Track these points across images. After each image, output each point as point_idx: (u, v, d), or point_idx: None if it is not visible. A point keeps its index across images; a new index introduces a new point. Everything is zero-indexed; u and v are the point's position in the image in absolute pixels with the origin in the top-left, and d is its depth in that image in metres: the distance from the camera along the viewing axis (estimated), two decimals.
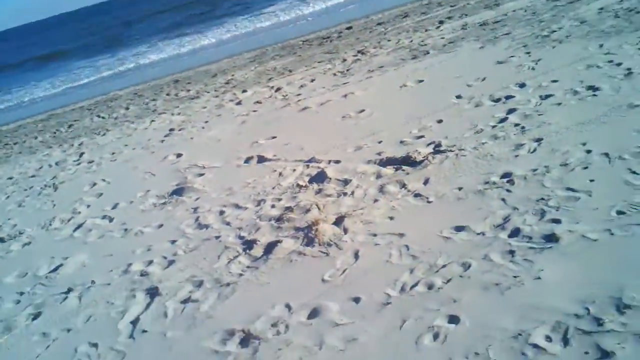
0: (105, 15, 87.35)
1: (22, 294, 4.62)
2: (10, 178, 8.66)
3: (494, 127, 5.13)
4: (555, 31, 7.63)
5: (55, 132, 11.62)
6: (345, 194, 4.70)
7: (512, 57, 7.07)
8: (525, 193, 3.86)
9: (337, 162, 5.42)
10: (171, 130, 8.67)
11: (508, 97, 5.74)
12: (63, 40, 52.37)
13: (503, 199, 3.87)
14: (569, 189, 3.74)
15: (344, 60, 10.13)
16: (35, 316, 4.20)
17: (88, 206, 6.31)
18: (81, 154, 8.85)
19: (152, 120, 9.77)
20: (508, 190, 3.96)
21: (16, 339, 3.95)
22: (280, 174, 5.57)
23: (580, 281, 2.91)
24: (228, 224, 4.79)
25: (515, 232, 3.46)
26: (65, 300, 4.29)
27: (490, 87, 6.24)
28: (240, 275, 3.91)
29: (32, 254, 5.44)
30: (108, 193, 6.57)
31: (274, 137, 6.80)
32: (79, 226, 5.76)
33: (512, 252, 3.28)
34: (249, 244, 4.30)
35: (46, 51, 42.62)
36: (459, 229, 3.68)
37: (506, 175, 4.18)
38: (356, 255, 3.73)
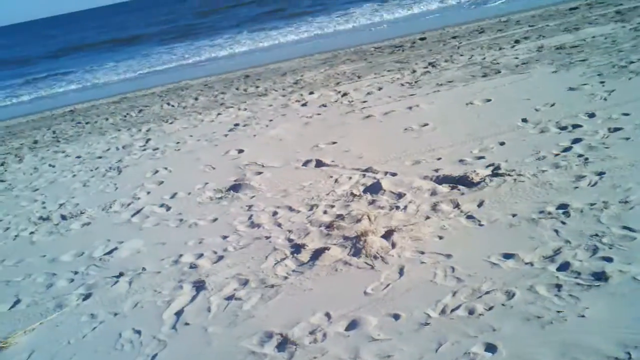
0: (181, 4, 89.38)
1: (76, 273, 4.81)
2: (79, 157, 9.01)
3: (556, 155, 5.04)
4: (633, 62, 7.40)
5: (125, 116, 12.00)
6: (397, 207, 4.71)
7: (585, 84, 6.90)
8: (580, 227, 3.78)
9: (394, 174, 5.43)
10: (236, 125, 8.84)
11: (575, 126, 5.62)
12: (139, 25, 53.86)
13: (556, 231, 3.80)
14: (625, 227, 3.64)
15: (414, 71, 10.10)
16: (86, 297, 4.36)
17: (148, 193, 6.51)
18: (147, 140, 9.12)
19: (219, 114, 9.98)
20: (563, 222, 3.89)
21: (65, 317, 4.12)
22: (336, 180, 5.62)
23: (625, 324, 2.84)
24: (279, 225, 4.86)
25: (564, 266, 3.39)
26: (116, 284, 4.45)
27: (559, 113, 6.12)
28: (285, 278, 3.97)
29: (90, 234, 5.65)
30: (168, 182, 6.76)
31: (334, 143, 6.85)
32: (137, 212, 5.95)
33: (558, 286, 3.23)
34: (297, 248, 4.37)
35: (124, 35, 43.99)
36: (508, 256, 3.64)
37: (563, 206, 4.10)
38: (401, 271, 3.74)
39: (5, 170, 9.10)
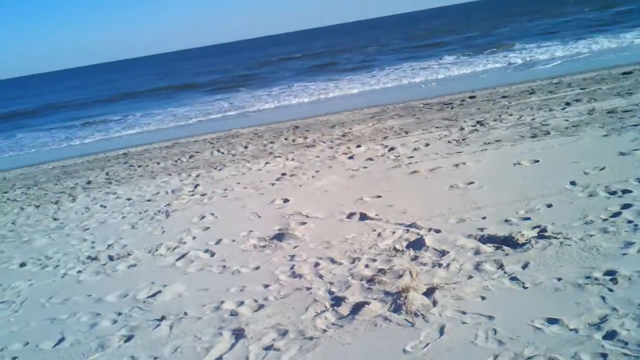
0: (234, 55, 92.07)
1: (119, 314, 4.88)
2: (129, 199, 9.24)
3: (605, 220, 4.95)
4: None
5: (176, 161, 12.30)
6: (440, 265, 4.68)
7: (637, 150, 6.81)
8: (628, 295, 3.69)
9: (438, 231, 5.41)
10: (283, 174, 8.96)
11: (625, 192, 5.53)
12: (193, 74, 55.45)
13: (603, 297, 3.72)
14: None
15: (462, 129, 10.13)
16: (128, 338, 4.41)
17: (194, 238, 6.62)
18: (196, 186, 9.31)
19: (267, 162, 10.14)
20: (610, 289, 3.80)
21: (106, 358, 4.16)
22: (379, 234, 5.63)
23: None
24: (321, 276, 4.88)
25: (610, 335, 3.31)
26: (158, 327, 4.50)
27: (608, 178, 6.04)
28: (325, 331, 3.97)
29: (136, 276, 5.75)
30: (214, 228, 6.87)
31: (379, 196, 6.88)
32: (182, 256, 6.05)
33: (604, 355, 3.14)
34: (337, 301, 4.37)
35: (178, 82, 45.35)
36: (552, 321, 3.57)
37: (610, 272, 4.02)
38: (442, 331, 3.69)
39: (59, 209, 9.38)
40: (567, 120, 9.23)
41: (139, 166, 12.48)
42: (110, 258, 6.40)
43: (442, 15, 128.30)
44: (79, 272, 6.13)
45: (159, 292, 5.18)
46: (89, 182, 11.46)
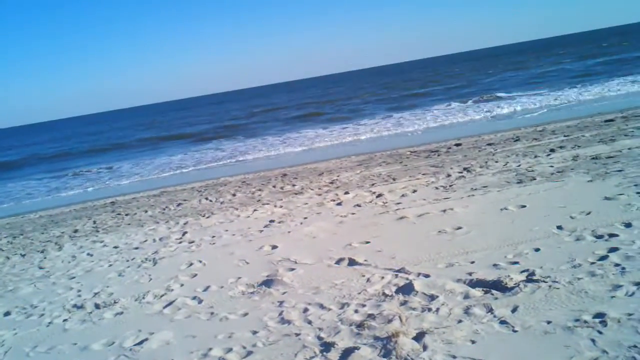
0: (220, 106, 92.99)
1: None
2: (116, 247, 9.17)
3: (592, 263, 4.98)
4: None
5: (164, 209, 12.26)
6: (429, 309, 4.66)
7: (621, 194, 6.89)
8: (618, 337, 3.69)
9: (427, 276, 5.41)
10: (271, 221, 8.96)
11: (611, 235, 5.58)
12: (181, 125, 55.67)
13: (593, 340, 3.72)
14: None
15: (449, 175, 10.22)
16: None
17: (181, 285, 6.56)
18: (184, 233, 9.27)
19: (255, 210, 10.14)
20: (599, 332, 3.80)
21: None
22: (368, 279, 5.62)
23: None
24: (310, 322, 4.84)
25: None
26: None
27: (594, 222, 6.09)
28: None
29: (122, 324, 5.66)
30: (202, 275, 6.82)
31: (367, 242, 6.88)
32: (170, 303, 5.98)
33: None
34: (326, 346, 4.32)
35: (166, 133, 45.51)
36: None
37: (599, 315, 4.02)
38: None
39: (45, 258, 9.28)
40: (552, 167, 9.35)
41: (127, 214, 12.42)
42: (97, 306, 6.32)
43: (425, 67, 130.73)
44: (65, 320, 6.04)
45: (146, 339, 5.10)
46: (75, 231, 11.38)
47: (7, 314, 6.61)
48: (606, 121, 14.20)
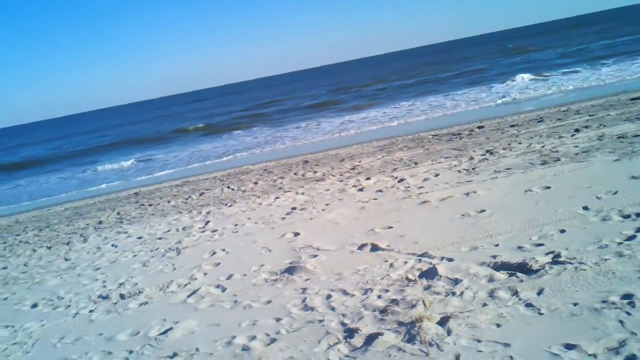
0: (233, 97, 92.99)
1: (131, 352, 4.82)
2: (140, 237, 9.24)
3: (619, 244, 4.88)
4: None
5: (187, 199, 12.32)
6: (454, 293, 4.61)
7: None
8: None
9: (450, 260, 5.35)
10: (293, 208, 8.94)
11: (639, 215, 5.46)
12: (199, 117, 55.63)
13: (621, 321, 3.64)
14: None
15: (471, 158, 10.10)
16: None
17: (205, 274, 6.58)
18: (207, 222, 9.30)
19: (277, 197, 10.13)
20: (627, 313, 3.72)
21: None
22: (391, 265, 5.57)
23: None
24: (333, 309, 4.82)
25: (630, 359, 3.22)
26: None
27: (621, 201, 5.97)
28: None
29: (147, 313, 5.70)
30: (225, 263, 6.83)
31: (390, 227, 6.83)
32: (194, 292, 6.00)
33: None
34: (350, 332, 4.30)
35: (188, 124, 45.52)
36: (570, 346, 3.49)
37: (627, 296, 3.94)
38: None
39: (70, 250, 9.39)
40: (577, 147, 9.19)
41: (150, 205, 12.51)
42: (122, 296, 6.37)
43: (441, 51, 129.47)
44: (91, 311, 6.09)
45: (170, 329, 5.12)
46: (100, 222, 11.49)
47: (34, 305, 6.69)
48: (632, 99, 13.92)
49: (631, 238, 4.96)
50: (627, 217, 5.51)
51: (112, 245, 9.09)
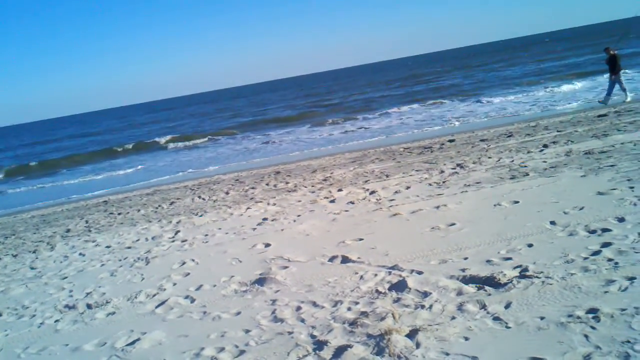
0: (209, 105, 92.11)
1: None
2: (109, 247, 9.12)
3: (585, 258, 4.97)
4: None
5: (157, 208, 12.21)
6: (423, 306, 4.64)
7: (614, 189, 6.89)
8: (611, 332, 3.67)
9: (420, 272, 5.38)
10: (264, 219, 8.92)
11: (605, 230, 5.57)
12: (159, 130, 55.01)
13: (586, 336, 3.70)
14: None
15: (442, 171, 10.20)
16: None
17: (174, 284, 6.52)
18: (177, 232, 9.23)
19: (248, 208, 10.10)
20: (592, 327, 3.78)
21: None
22: (361, 277, 5.59)
23: None
24: (302, 320, 4.81)
25: None
26: None
27: (588, 217, 6.08)
28: None
29: (114, 324, 5.62)
30: (195, 274, 6.78)
31: (361, 239, 6.86)
32: (162, 303, 5.94)
33: None
34: (319, 345, 4.30)
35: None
36: None
37: (592, 310, 4.01)
38: None
39: (37, 258, 9.23)
40: (545, 162, 9.34)
41: (119, 214, 12.37)
42: (89, 306, 6.27)
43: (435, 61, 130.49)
44: (56, 321, 5.99)
45: (138, 339, 5.06)
46: (68, 231, 11.32)
47: None
48: (599, 116, 14.22)
49: (597, 253, 5.05)
50: (593, 232, 5.61)
51: (80, 254, 8.95)
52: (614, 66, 17.58)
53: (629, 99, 17.35)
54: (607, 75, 18.38)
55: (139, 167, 24.76)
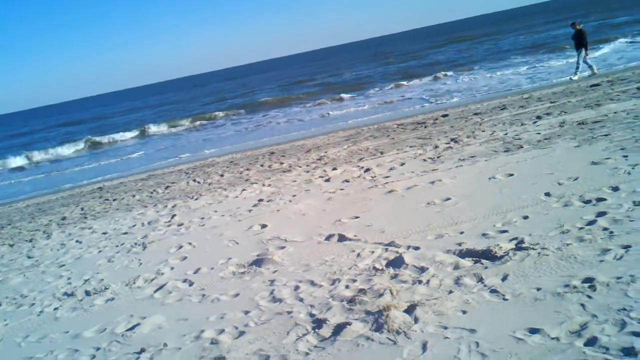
0: (200, 89, 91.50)
1: (98, 349, 4.76)
2: (105, 233, 9.11)
3: (580, 229, 4.99)
4: None
5: (152, 192, 12.19)
6: (420, 281, 4.66)
7: (608, 159, 6.90)
8: (607, 301, 3.69)
9: (416, 248, 5.40)
10: (260, 200, 8.92)
11: (599, 200, 5.58)
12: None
13: (582, 305, 3.72)
14: None
15: (436, 147, 10.19)
16: None
17: (172, 268, 6.53)
18: (173, 216, 9.22)
19: (244, 189, 10.09)
20: (589, 296, 3.80)
21: None
22: (358, 254, 5.60)
23: None
24: (301, 300, 4.83)
25: (591, 341, 3.30)
26: None
27: (582, 187, 6.10)
28: (307, 354, 3.91)
29: (114, 310, 5.64)
30: (192, 257, 6.79)
31: (357, 217, 6.87)
32: (161, 287, 5.95)
33: None
34: (318, 323, 4.32)
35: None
36: (533, 331, 3.55)
37: (588, 280, 4.03)
38: (424, 347, 3.66)
39: (34, 247, 9.22)
40: (539, 134, 9.34)
41: (114, 200, 12.35)
42: (87, 293, 6.28)
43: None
44: (56, 309, 6.00)
45: (138, 324, 5.08)
46: (63, 218, 11.30)
47: None
48: (592, 86, 14.19)
49: (592, 223, 5.07)
50: (587, 202, 5.62)
51: (77, 241, 8.95)
52: (580, 41, 17.73)
53: (596, 71, 17.75)
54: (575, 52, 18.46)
55: (134, 154, 24.68)
